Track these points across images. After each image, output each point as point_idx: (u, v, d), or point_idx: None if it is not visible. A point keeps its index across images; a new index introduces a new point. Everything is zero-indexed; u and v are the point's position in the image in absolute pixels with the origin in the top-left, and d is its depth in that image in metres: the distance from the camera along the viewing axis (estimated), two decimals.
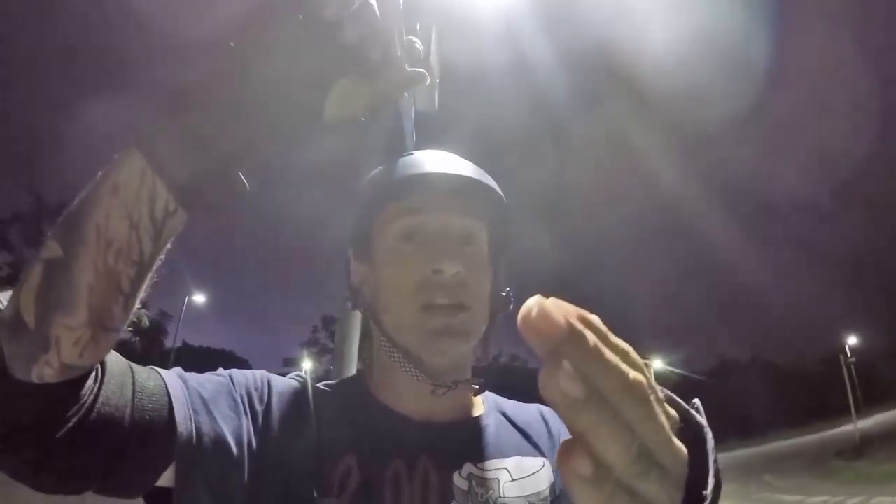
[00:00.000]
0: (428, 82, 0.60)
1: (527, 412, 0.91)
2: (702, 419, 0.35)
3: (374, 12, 0.52)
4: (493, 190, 0.83)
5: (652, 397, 0.30)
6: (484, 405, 0.87)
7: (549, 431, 0.88)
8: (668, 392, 0.35)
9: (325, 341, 47.20)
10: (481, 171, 0.84)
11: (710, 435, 0.35)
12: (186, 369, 0.74)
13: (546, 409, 0.93)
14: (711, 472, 0.33)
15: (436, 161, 0.81)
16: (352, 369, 4.47)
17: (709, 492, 0.33)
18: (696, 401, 0.37)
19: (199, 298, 28.38)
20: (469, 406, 0.86)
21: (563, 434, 0.88)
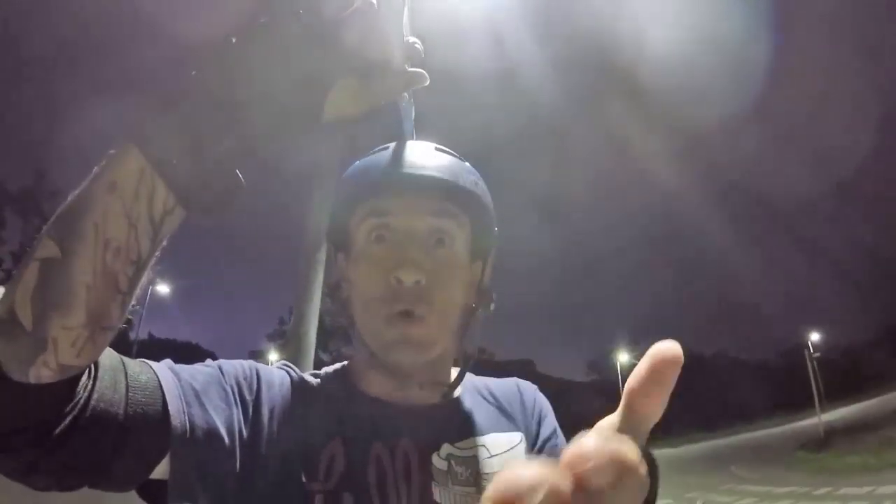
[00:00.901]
0: (427, 83, 0.60)
1: (503, 387, 0.93)
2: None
3: (375, 13, 0.52)
4: (469, 185, 0.81)
5: None
6: (461, 386, 0.88)
7: (524, 403, 0.90)
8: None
9: None
10: (461, 166, 0.82)
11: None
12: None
13: (522, 382, 0.96)
14: None
15: (411, 158, 0.79)
16: (309, 355, 4.33)
17: None
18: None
19: (163, 289, 27.88)
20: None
21: (537, 405, 0.92)
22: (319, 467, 0.71)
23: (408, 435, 0.77)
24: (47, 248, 0.51)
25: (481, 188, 0.84)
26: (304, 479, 0.69)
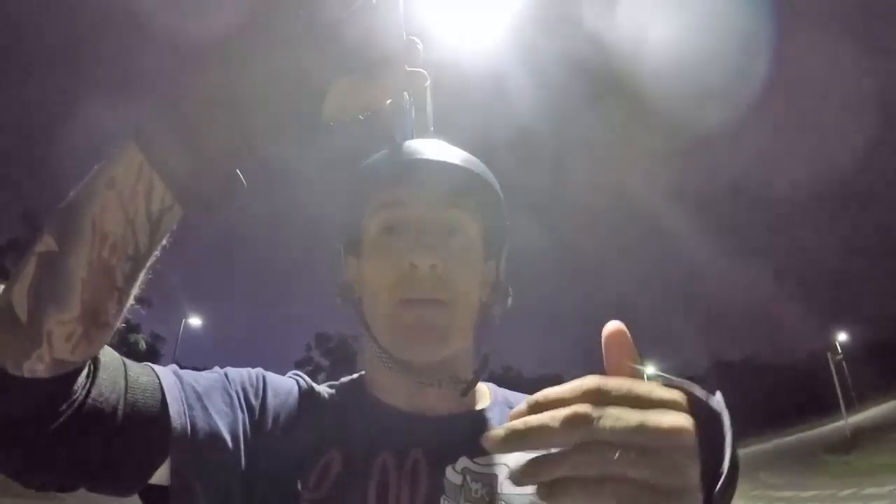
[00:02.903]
0: (428, 83, 0.61)
1: None
2: (715, 404, 0.42)
3: (375, 12, 0.53)
4: (482, 179, 0.80)
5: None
6: (491, 397, 0.85)
7: None
8: (677, 381, 0.43)
9: (319, 360, 47.07)
10: (473, 160, 0.80)
11: (725, 418, 0.41)
12: None
13: None
14: (727, 450, 0.39)
15: (422, 151, 0.77)
16: None
17: (725, 468, 0.39)
18: (718, 394, 0.43)
19: (196, 321, 27.27)
20: (471, 398, 0.82)
21: None
22: (313, 475, 0.69)
23: (420, 444, 0.73)
24: (45, 242, 0.52)
25: (494, 181, 0.82)
26: (299, 487, 0.68)
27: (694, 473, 0.39)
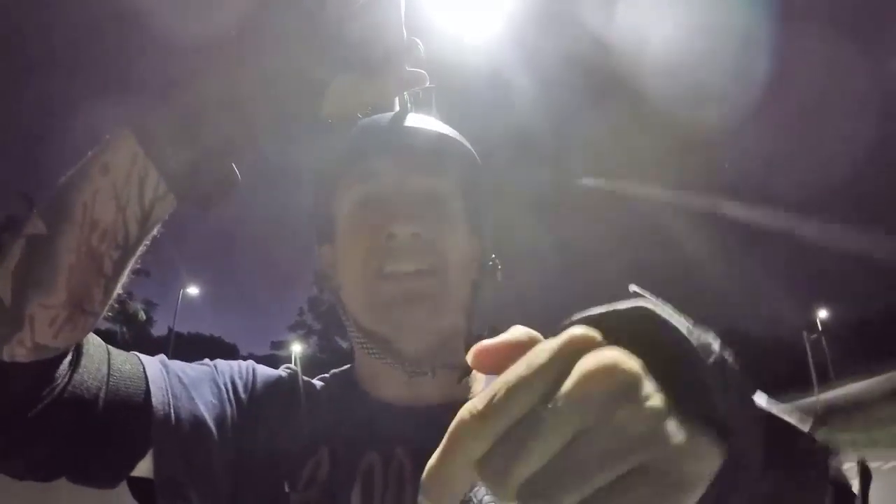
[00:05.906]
0: (427, 83, 0.59)
1: None
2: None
3: (377, 11, 0.53)
4: (459, 143, 0.76)
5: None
6: (485, 383, 0.77)
7: None
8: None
9: (312, 322, 47.36)
10: (449, 129, 0.76)
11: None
12: (176, 358, 0.72)
13: None
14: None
15: (390, 120, 0.73)
16: None
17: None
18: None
19: (193, 290, 27.21)
20: (466, 386, 0.76)
21: None
22: (302, 476, 0.66)
23: (404, 442, 0.68)
24: (35, 225, 0.51)
25: (472, 150, 0.77)
26: (286, 489, 0.65)
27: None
